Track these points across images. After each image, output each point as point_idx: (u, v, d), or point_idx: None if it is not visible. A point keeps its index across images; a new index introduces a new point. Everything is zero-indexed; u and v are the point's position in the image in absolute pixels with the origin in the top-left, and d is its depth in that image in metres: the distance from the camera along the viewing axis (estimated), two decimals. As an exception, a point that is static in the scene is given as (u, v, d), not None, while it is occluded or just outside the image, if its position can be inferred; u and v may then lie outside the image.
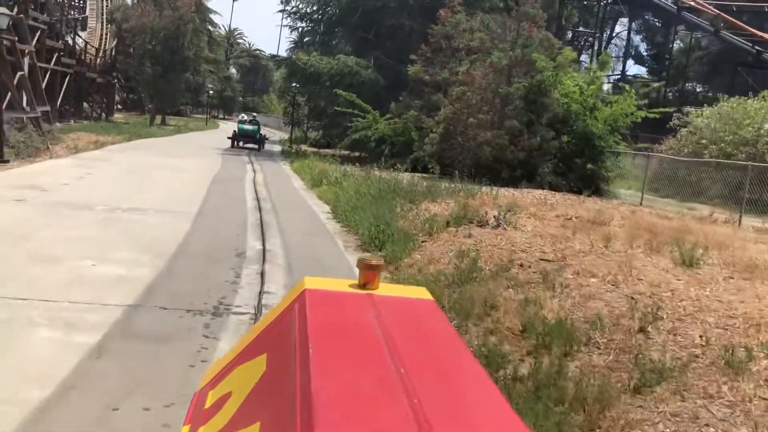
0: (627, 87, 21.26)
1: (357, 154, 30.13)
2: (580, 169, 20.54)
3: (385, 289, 1.70)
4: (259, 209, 13.45)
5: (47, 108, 27.57)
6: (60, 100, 42.27)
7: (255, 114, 45.47)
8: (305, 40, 37.34)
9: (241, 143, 35.07)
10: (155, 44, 45.44)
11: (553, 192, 19.28)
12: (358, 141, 26.11)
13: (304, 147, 38.18)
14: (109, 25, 55.35)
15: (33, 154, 19.15)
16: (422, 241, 10.39)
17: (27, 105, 22.18)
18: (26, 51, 26.45)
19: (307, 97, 35.48)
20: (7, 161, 16.82)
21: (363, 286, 1.66)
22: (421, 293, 1.80)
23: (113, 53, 54.60)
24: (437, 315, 1.70)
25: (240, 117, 39.76)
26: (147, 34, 45.45)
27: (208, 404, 1.66)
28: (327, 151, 36.08)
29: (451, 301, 6.99)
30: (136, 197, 13.14)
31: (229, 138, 35.87)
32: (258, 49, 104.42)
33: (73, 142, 25.01)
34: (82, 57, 47.31)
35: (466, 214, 11.66)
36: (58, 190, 13.04)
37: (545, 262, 8.79)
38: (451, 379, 1.38)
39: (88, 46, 51.37)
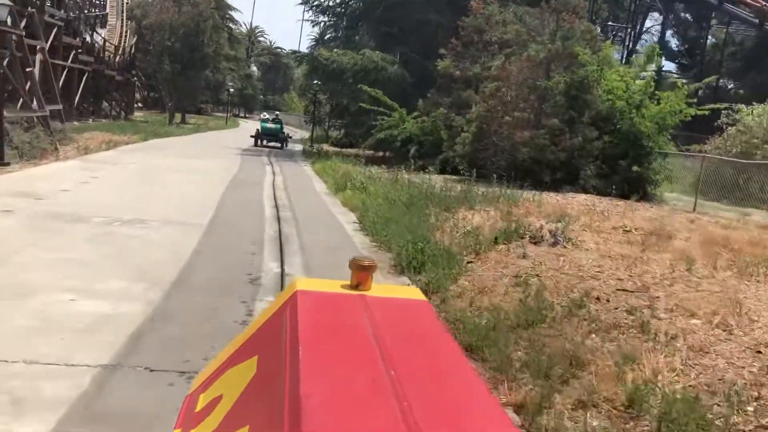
0: (679, 83, 19.42)
1: (381, 154, 28.59)
2: (624, 172, 18.79)
3: (377, 290, 1.65)
4: (278, 219, 11.92)
5: (59, 107, 26.34)
6: (77, 98, 41.34)
7: (278, 113, 45.04)
8: (326, 37, 35.86)
9: (264, 142, 34.85)
10: (174, 41, 44.27)
11: (599, 197, 17.58)
12: (383, 141, 24.56)
13: (325, 146, 36.69)
14: (128, 22, 54.37)
15: (38, 156, 17.82)
16: (468, 262, 8.79)
17: (35, 103, 20.89)
18: (37, 47, 25.23)
19: (328, 95, 34.00)
20: (8, 164, 15.49)
21: (355, 287, 1.62)
22: (415, 294, 1.76)
23: (132, 51, 53.55)
24: (430, 316, 1.67)
25: (263, 116, 39.52)
26: (166, 30, 44.30)
27: (198, 407, 1.63)
28: (349, 150, 34.58)
29: (521, 355, 5.38)
30: (142, 206, 11.68)
31: (252, 137, 35.64)
32: (279, 47, 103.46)
33: (86, 142, 23.74)
34: (101, 54, 46.29)
35: (516, 227, 10.04)
36: (55, 198, 11.63)
37: (625, 293, 7.15)
38: (443, 382, 1.34)
39: (107, 44, 50.39)
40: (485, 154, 19.89)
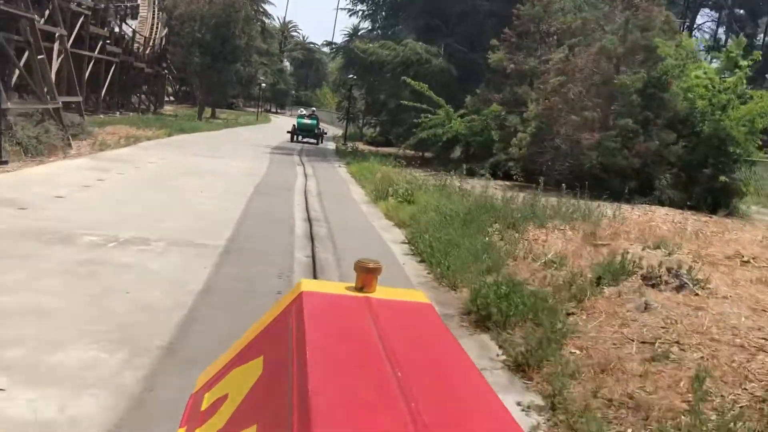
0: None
1: (421, 155, 26.28)
2: (707, 182, 16.22)
3: (382, 292, 1.64)
4: (311, 238, 9.71)
5: (78, 98, 24.51)
6: (104, 90, 39.84)
7: (314, 108, 44.27)
8: (360, 32, 33.58)
9: (299, 137, 34.84)
10: (205, 32, 42.44)
11: (679, 211, 15.08)
12: (425, 141, 22.24)
13: (360, 145, 34.48)
14: (160, 14, 52.84)
15: (46, 153, 15.89)
16: (568, 313, 6.46)
17: (47, 94, 19.00)
18: (56, 35, 23.42)
19: (364, 90, 31.75)
20: (5, 162, 13.54)
21: (360, 289, 1.61)
22: (418, 297, 1.77)
23: (163, 43, 51.95)
24: (434, 319, 1.67)
25: (299, 111, 39.28)
26: (196, 21, 42.49)
27: (204, 406, 1.61)
28: (386, 150, 32.32)
29: None
30: (148, 219, 9.57)
31: (288, 132, 35.83)
32: (312, 42, 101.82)
33: (105, 138, 21.88)
34: (130, 46, 44.74)
35: (621, 261, 7.65)
36: (44, 208, 9.55)
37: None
38: (449, 383, 1.35)
39: (137, 36, 48.87)
40: (543, 159, 17.48)
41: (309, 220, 11.39)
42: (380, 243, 10.13)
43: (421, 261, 9.03)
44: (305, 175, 18.95)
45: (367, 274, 1.61)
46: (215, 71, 43.14)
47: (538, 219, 11.86)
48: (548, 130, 17.46)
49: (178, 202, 11.34)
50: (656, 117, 16.50)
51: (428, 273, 8.47)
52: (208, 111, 54.18)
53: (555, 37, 20.46)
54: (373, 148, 33.25)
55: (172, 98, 68.10)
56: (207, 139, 28.26)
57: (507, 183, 18.93)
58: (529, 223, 11.54)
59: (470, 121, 20.43)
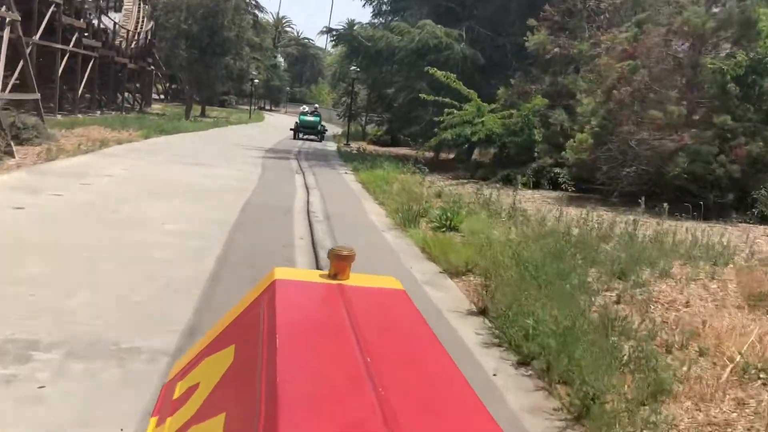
0: None
1: (438, 156, 22.37)
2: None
3: (355, 279, 1.64)
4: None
5: (34, 96, 20.53)
6: (82, 87, 35.86)
7: (317, 105, 42.56)
8: (356, 25, 29.52)
9: (302, 135, 34.24)
10: (191, 23, 38.35)
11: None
12: (446, 141, 18.34)
13: (364, 145, 30.56)
14: (145, 6, 48.76)
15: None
16: None
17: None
18: (6, 20, 19.43)
19: (369, 84, 27.77)
20: None
21: (333, 276, 1.61)
22: (392, 283, 1.75)
23: (149, 37, 47.83)
24: (407, 305, 1.65)
25: (302, 109, 38.65)
26: (182, 11, 38.42)
27: (176, 395, 1.60)
28: (394, 150, 28.41)
29: None
30: (50, 291, 5.66)
31: (291, 129, 35.13)
32: (307, 38, 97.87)
33: (68, 142, 17.98)
34: (111, 40, 40.67)
35: None
36: None
37: None
38: (419, 369, 1.33)
39: (121, 29, 44.81)
40: (605, 164, 13.63)
41: (318, 265, 7.49)
42: (435, 317, 6.20)
43: (521, 362, 5.16)
44: (306, 188, 15.03)
45: (340, 261, 1.58)
46: (203, 65, 39.09)
47: (649, 259, 8.02)
48: (612, 129, 13.59)
49: (115, 252, 7.34)
50: (756, 111, 12.65)
51: (527, 379, 4.61)
52: (197, 109, 50.12)
53: (606, 15, 16.59)
54: (379, 149, 29.35)
55: (161, 96, 64.04)
56: (190, 142, 24.27)
57: (555, 194, 15.11)
58: (641, 268, 7.72)
59: (506, 117, 16.48)
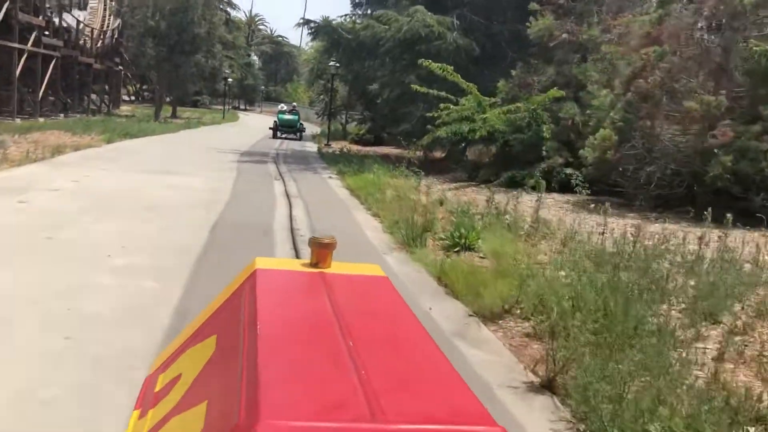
0: None
1: (429, 156, 20.48)
2: None
3: (337, 267, 1.64)
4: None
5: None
6: (43, 89, 33.50)
7: (295, 104, 42.16)
8: (334, 21, 27.57)
9: (280, 134, 34.01)
10: (159, 19, 36.01)
11: None
12: (439, 139, 16.42)
13: (346, 145, 28.59)
14: (111, 3, 46.24)
15: None
16: None
17: None
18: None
19: (351, 79, 25.78)
20: None
21: (315, 265, 1.60)
22: (374, 270, 1.76)
23: (115, 35, 45.31)
24: (389, 291, 1.64)
25: (280, 107, 38.47)
26: (148, 7, 36.08)
27: (158, 387, 1.59)
28: (379, 150, 26.49)
29: None
30: None
31: (270, 128, 34.78)
32: (281, 36, 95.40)
33: (17, 149, 15.87)
34: (73, 38, 38.23)
35: None
36: None
37: None
38: (401, 352, 1.33)
39: (85, 27, 42.34)
40: (633, 164, 11.86)
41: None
42: (486, 398, 4.30)
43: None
44: (288, 197, 13.05)
45: (321, 249, 1.58)
46: (172, 64, 36.77)
47: (732, 288, 6.23)
48: (635, 124, 11.82)
49: (24, 309, 5.31)
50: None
51: None
52: (168, 110, 47.70)
53: (615, -3, 14.85)
54: (362, 149, 27.41)
55: (132, 98, 61.29)
56: (158, 146, 22.10)
57: (569, 198, 13.32)
58: (724, 306, 5.92)
59: (511, 111, 14.61)
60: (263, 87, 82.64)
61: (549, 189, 13.90)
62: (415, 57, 18.22)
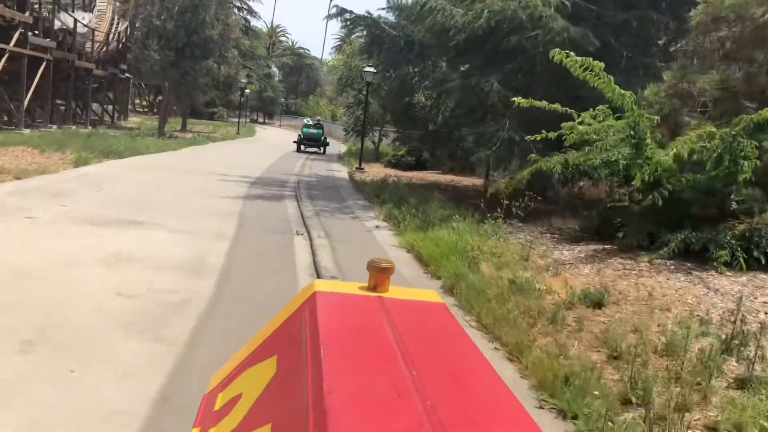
0: None
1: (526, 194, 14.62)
2: None
3: (395, 291, 1.60)
4: None
5: None
6: (29, 96, 28.41)
7: (319, 118, 42.13)
8: (355, 34, 21.82)
9: (304, 147, 33.68)
10: (165, 19, 30.73)
11: None
12: (541, 173, 10.52)
13: (384, 170, 22.89)
14: (117, 4, 41.26)
15: None
16: None
17: None
18: None
19: (395, 86, 20.09)
20: None
21: (373, 288, 1.56)
22: (431, 296, 1.73)
23: (122, 39, 40.18)
24: (448, 318, 1.61)
25: (305, 121, 38.23)
26: (153, 4, 30.83)
27: (217, 406, 1.56)
28: (424, 176, 20.78)
29: None
30: None
31: (294, 142, 34.81)
32: (302, 48, 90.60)
33: None
34: (71, 40, 33.14)
35: None
36: None
37: None
38: (465, 383, 1.30)
39: (87, 29, 37.26)
40: None
41: None
42: None
43: None
44: (317, 271, 7.37)
45: (380, 273, 1.55)
46: (180, 70, 31.39)
47: None
48: None
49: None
50: None
51: None
52: (177, 123, 42.43)
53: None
54: (402, 174, 21.71)
55: (146, 109, 56.23)
56: (142, 171, 16.48)
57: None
58: None
59: (702, 138, 8.62)
60: (283, 100, 77.50)
61: (753, 264, 8.10)
62: (500, 54, 12.55)
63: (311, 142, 33.90)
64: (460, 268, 7.81)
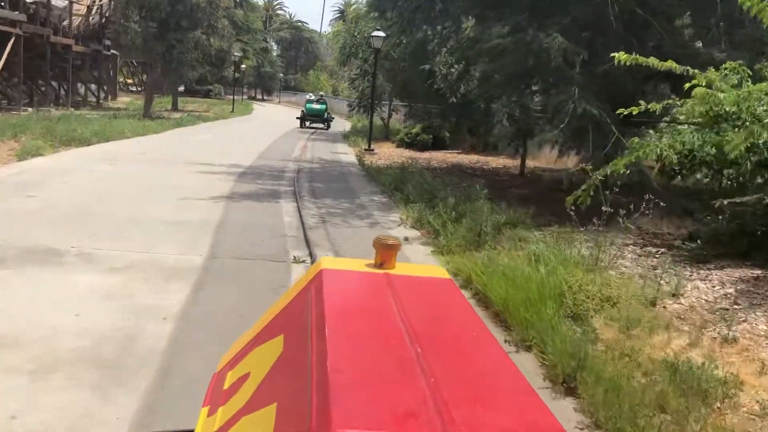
0: None
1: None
2: None
3: (402, 268, 1.56)
4: None
5: None
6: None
7: (322, 93, 40.10)
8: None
9: (308, 123, 32.71)
10: (145, -15, 27.13)
11: None
12: (666, 159, 7.29)
13: (395, 150, 19.55)
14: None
15: None
16: None
17: None
18: None
19: (409, 52, 16.68)
20: None
21: (380, 265, 1.53)
22: (439, 272, 1.67)
23: (103, 12, 36.51)
24: (455, 294, 1.58)
25: (308, 96, 37.14)
26: (132, -30, 27.21)
27: (226, 385, 1.56)
28: (444, 157, 17.52)
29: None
30: None
31: (297, 118, 33.47)
32: (300, 21, 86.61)
33: None
34: (45, 14, 29.71)
35: None
36: None
37: None
38: (470, 359, 1.28)
39: (75, 5, 33.83)
40: None
41: None
42: None
43: None
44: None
45: (386, 250, 1.52)
46: (164, 43, 27.84)
47: None
48: None
49: None
50: None
51: None
52: (167, 102, 38.93)
53: None
54: (418, 155, 18.40)
55: (139, 88, 52.57)
56: (103, 163, 13.11)
57: None
58: None
59: None
60: (282, 75, 73.62)
61: None
62: (547, 3, 9.25)
63: (315, 118, 32.86)
64: (569, 338, 4.58)
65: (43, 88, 32.95)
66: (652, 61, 6.67)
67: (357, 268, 1.55)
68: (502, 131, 13.43)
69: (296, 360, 1.28)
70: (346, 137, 25.77)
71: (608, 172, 7.48)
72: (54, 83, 34.69)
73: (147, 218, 8.19)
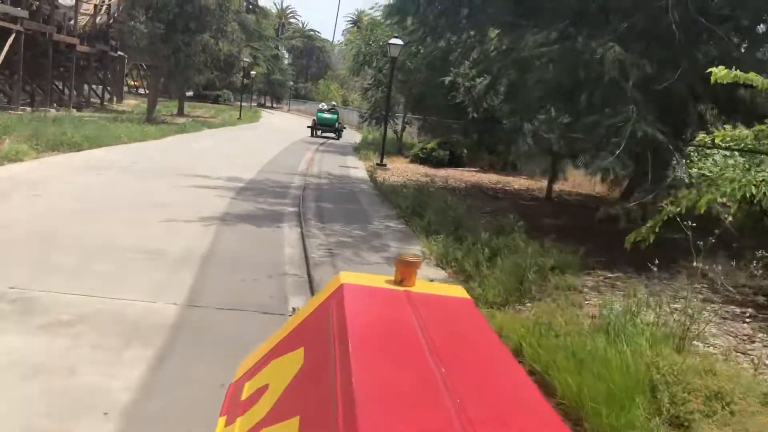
0: None
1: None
2: None
3: (421, 286, 1.55)
4: None
5: None
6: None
7: (334, 103, 40.49)
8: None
9: (319, 132, 32.51)
10: (153, -14, 25.90)
11: None
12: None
13: (405, 164, 18.12)
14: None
15: None
16: None
17: None
18: None
19: (428, 62, 15.28)
20: None
21: (399, 282, 1.51)
22: (458, 292, 1.64)
23: (111, 12, 35.35)
24: (475, 314, 1.55)
25: (320, 106, 36.76)
26: (140, -31, 26.00)
27: (244, 396, 1.52)
28: (463, 176, 16.08)
29: None
30: None
31: (308, 127, 33.43)
32: (313, 30, 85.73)
33: None
34: (49, 11, 28.54)
35: None
36: None
37: None
38: (492, 380, 1.26)
39: (83, 5, 32.73)
40: None
41: None
42: None
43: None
44: None
45: (406, 267, 1.50)
46: (171, 45, 26.57)
47: None
48: None
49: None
50: None
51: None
52: (173, 106, 37.69)
53: None
54: (434, 172, 16.97)
55: (146, 91, 51.45)
56: (86, 173, 11.69)
57: None
58: None
59: None
60: (292, 83, 72.54)
61: None
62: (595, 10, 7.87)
63: (326, 127, 32.69)
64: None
65: (45, 88, 31.73)
66: (756, 79, 5.22)
67: (377, 284, 1.51)
68: (531, 152, 12.00)
69: (319, 373, 1.25)
70: (356, 150, 24.31)
71: (682, 209, 6.05)
72: (58, 83, 33.59)
73: (120, 246, 6.75)
